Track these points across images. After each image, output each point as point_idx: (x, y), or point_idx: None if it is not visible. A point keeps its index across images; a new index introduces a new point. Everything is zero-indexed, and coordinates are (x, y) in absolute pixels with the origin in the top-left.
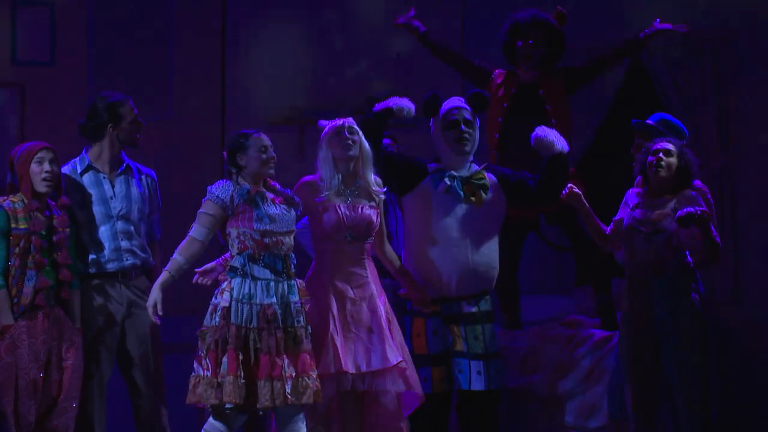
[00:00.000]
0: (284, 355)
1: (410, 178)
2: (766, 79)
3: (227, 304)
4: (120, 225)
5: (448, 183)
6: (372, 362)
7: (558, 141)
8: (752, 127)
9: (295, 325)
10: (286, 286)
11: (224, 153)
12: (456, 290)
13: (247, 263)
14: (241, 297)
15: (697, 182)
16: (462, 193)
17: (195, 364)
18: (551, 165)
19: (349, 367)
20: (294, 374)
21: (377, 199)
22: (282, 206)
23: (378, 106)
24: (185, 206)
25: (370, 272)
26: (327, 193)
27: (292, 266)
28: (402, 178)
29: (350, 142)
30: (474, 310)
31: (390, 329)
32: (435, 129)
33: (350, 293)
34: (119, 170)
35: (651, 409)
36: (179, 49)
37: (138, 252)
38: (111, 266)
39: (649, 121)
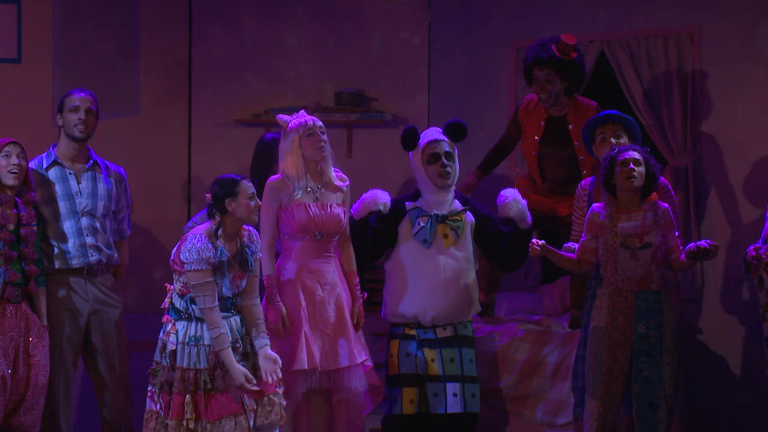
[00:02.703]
0: (242, 393)
1: (390, 237)
2: (731, 75)
3: (174, 347)
4: (85, 221)
5: (422, 225)
6: (339, 360)
7: (525, 216)
8: (718, 123)
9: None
10: (239, 320)
11: (207, 196)
12: (431, 322)
13: (190, 306)
14: (187, 340)
15: (661, 179)
16: (434, 233)
17: (148, 399)
18: (515, 240)
19: (318, 364)
20: (255, 406)
21: (343, 194)
22: (236, 282)
23: (359, 214)
24: (151, 202)
25: (336, 268)
26: (299, 193)
27: (238, 300)
28: (385, 245)
29: (323, 143)
30: (450, 334)
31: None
32: (414, 162)
33: (318, 290)
34: (86, 166)
35: (614, 421)
36: (146, 46)
37: (103, 248)
38: (76, 262)
39: (608, 113)
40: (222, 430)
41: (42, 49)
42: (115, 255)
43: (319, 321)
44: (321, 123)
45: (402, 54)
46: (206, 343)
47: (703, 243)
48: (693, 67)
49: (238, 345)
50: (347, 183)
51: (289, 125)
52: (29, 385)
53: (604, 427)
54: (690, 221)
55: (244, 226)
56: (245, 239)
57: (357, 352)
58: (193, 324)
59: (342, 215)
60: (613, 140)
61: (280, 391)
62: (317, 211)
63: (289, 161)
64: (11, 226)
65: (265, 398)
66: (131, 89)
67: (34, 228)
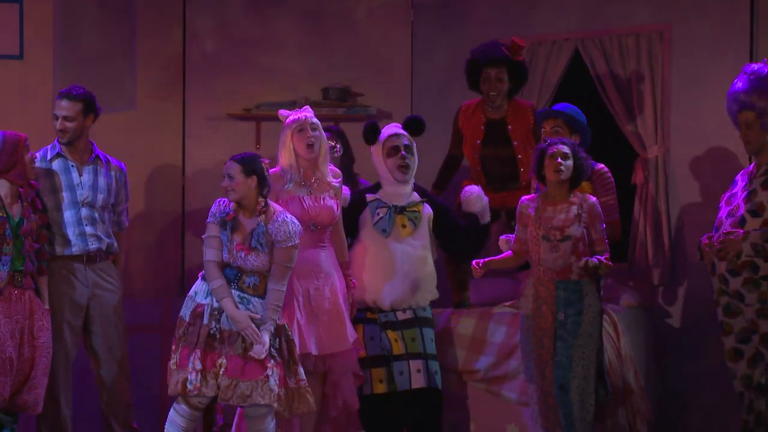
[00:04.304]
0: (197, 351)
1: (352, 227)
2: (699, 71)
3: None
4: (84, 211)
5: (381, 215)
6: (334, 344)
7: (487, 212)
8: (687, 117)
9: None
10: (236, 296)
11: None
12: (390, 307)
13: None
14: (192, 293)
15: (600, 165)
16: (392, 223)
17: None
18: (475, 234)
19: (312, 349)
20: (200, 368)
21: (335, 188)
22: (237, 252)
23: None
24: (147, 192)
25: (330, 257)
26: (290, 185)
27: (247, 280)
28: (347, 235)
29: (313, 139)
30: (410, 316)
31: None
32: (375, 155)
33: (313, 278)
34: (89, 160)
35: (552, 405)
36: (143, 44)
37: (103, 237)
38: (76, 249)
39: (559, 108)
40: (177, 378)
41: (43, 47)
42: (115, 244)
43: (315, 307)
44: (315, 120)
45: (386, 51)
46: (196, 300)
47: (594, 259)
48: (663, 63)
49: (216, 313)
50: (340, 179)
51: (286, 120)
52: (33, 365)
53: (548, 410)
54: (660, 211)
55: (279, 210)
56: (266, 220)
57: (350, 337)
58: (200, 281)
59: (335, 207)
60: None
61: (263, 376)
62: (311, 204)
63: (282, 154)
64: (17, 219)
65: (254, 382)
66: (128, 85)
67: (36, 217)
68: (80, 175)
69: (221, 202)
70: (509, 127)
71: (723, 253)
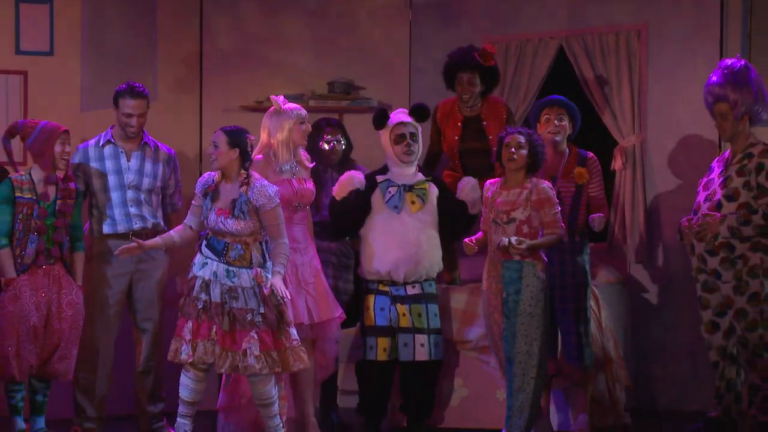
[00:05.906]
0: (189, 321)
1: (367, 203)
2: (674, 67)
3: None
4: (130, 194)
5: (392, 193)
6: (319, 314)
7: (478, 203)
8: (662, 109)
9: (233, 306)
10: (223, 270)
11: None
12: (402, 278)
13: (204, 239)
14: (192, 265)
15: (590, 154)
16: (402, 200)
17: None
18: (464, 220)
19: (305, 319)
20: (189, 338)
21: (308, 171)
22: (219, 216)
23: (339, 194)
24: None
25: (307, 235)
26: (286, 168)
27: (232, 253)
28: (363, 215)
29: (308, 131)
30: (418, 292)
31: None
32: (384, 139)
33: (298, 254)
34: (138, 146)
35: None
36: (163, 41)
37: (147, 217)
38: (121, 228)
39: (560, 98)
40: (174, 347)
41: (72, 44)
42: (162, 223)
43: (301, 281)
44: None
45: (387, 48)
46: (192, 272)
47: (504, 240)
48: (640, 60)
49: (203, 297)
50: (314, 164)
51: (284, 107)
52: (62, 337)
53: (505, 377)
54: (637, 195)
55: (256, 177)
56: (246, 188)
57: (334, 307)
58: (198, 253)
59: (313, 189)
60: (556, 122)
61: (247, 346)
62: (298, 186)
63: (280, 141)
64: (48, 203)
65: (236, 353)
66: (150, 79)
67: (71, 202)
68: (128, 161)
69: (207, 175)
70: (484, 123)
71: (701, 234)
